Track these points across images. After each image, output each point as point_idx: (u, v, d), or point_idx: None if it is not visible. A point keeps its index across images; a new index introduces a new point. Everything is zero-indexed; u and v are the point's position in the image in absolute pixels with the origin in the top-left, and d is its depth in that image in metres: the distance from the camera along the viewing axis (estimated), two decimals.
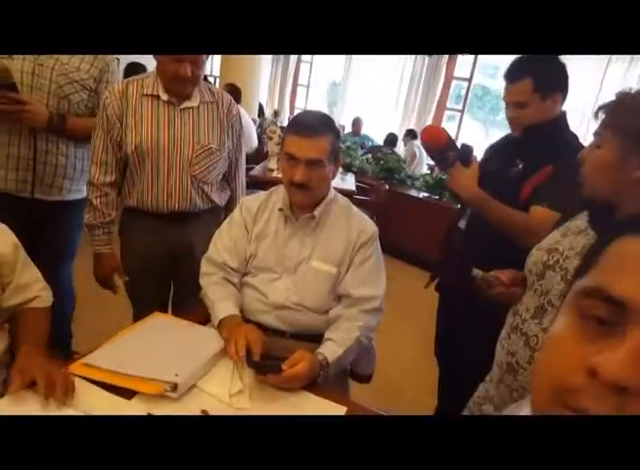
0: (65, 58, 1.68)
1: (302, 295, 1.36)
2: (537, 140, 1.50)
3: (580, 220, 1.11)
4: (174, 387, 1.01)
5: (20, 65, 1.62)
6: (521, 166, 1.52)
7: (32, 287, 1.18)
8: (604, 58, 5.78)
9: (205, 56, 1.58)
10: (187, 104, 1.59)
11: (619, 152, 0.96)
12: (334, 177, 1.41)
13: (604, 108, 1.02)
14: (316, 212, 1.38)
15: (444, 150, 1.48)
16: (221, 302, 1.33)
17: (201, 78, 1.59)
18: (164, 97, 1.56)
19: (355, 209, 1.46)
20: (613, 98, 1.02)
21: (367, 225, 1.41)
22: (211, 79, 7.20)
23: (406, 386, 2.50)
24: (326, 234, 1.39)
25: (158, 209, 1.63)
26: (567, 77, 1.50)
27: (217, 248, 1.43)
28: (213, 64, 8.31)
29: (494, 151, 1.72)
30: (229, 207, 1.83)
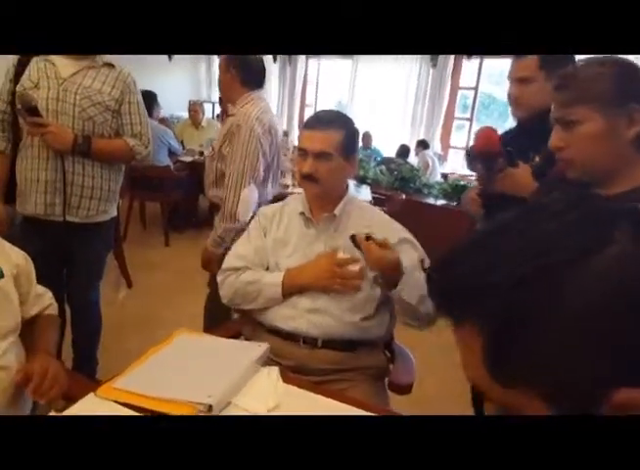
0: (87, 82, 1.73)
1: (331, 296, 1.32)
2: (549, 129, 1.42)
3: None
4: (209, 408, 0.96)
5: (45, 92, 1.68)
6: (537, 159, 1.44)
7: (45, 295, 1.23)
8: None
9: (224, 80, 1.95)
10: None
11: (607, 119, 0.98)
12: (350, 175, 1.41)
13: (562, 87, 1.02)
14: (336, 212, 1.36)
15: (497, 154, 1.35)
16: (266, 274, 1.36)
17: (226, 97, 2.05)
18: None
19: (380, 213, 1.45)
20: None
21: (393, 229, 1.38)
22: (209, 105, 7.50)
23: (443, 397, 2.42)
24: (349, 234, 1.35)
25: None
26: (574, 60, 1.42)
27: (236, 254, 1.42)
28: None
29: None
30: None
